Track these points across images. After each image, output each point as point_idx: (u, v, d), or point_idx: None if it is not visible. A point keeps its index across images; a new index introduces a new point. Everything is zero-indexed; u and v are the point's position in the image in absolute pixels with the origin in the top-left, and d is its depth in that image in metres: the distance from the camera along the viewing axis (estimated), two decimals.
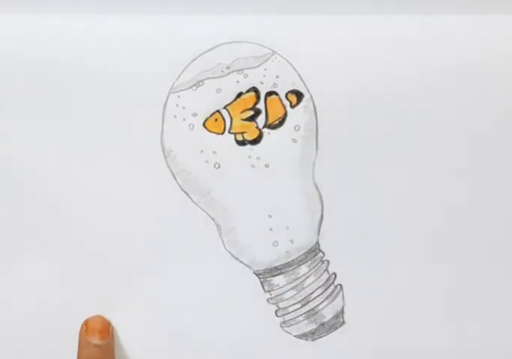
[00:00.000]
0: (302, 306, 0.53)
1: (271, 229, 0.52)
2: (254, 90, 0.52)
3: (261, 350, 0.53)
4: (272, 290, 0.53)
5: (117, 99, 0.52)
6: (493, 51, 0.53)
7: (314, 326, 0.53)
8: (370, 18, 0.53)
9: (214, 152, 0.52)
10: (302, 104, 0.52)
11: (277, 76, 0.52)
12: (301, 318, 0.53)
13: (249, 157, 0.52)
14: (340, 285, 0.53)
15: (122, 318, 0.52)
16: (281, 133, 0.52)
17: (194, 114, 0.52)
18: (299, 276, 0.53)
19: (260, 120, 0.52)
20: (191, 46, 0.52)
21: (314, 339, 0.53)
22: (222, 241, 0.53)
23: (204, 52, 0.52)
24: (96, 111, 0.52)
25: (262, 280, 0.53)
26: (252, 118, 0.52)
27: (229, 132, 0.52)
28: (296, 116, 0.52)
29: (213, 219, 0.53)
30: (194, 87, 0.52)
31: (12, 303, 0.53)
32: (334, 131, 0.52)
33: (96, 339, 0.51)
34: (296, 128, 0.52)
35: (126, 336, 0.52)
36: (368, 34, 0.53)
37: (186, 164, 0.52)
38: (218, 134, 0.52)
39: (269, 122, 0.52)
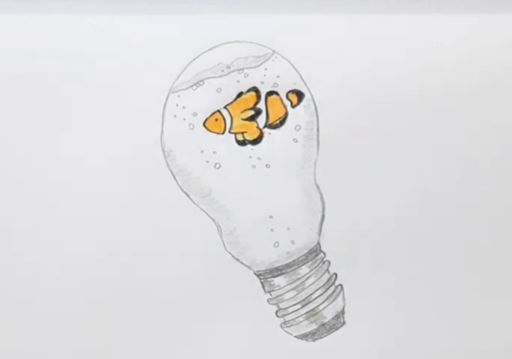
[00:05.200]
0: (303, 306, 0.53)
1: (272, 230, 0.52)
2: (255, 89, 0.52)
3: (261, 350, 0.53)
4: (273, 291, 0.53)
5: (117, 98, 0.52)
6: (494, 51, 0.53)
7: (314, 326, 0.53)
8: (370, 18, 0.53)
9: (214, 152, 0.52)
10: (302, 104, 0.52)
11: (277, 76, 0.52)
12: (301, 318, 0.53)
13: (250, 157, 0.52)
14: (341, 285, 0.53)
15: None
16: (282, 133, 0.52)
17: (195, 114, 0.52)
18: (299, 276, 0.53)
19: (261, 119, 0.52)
20: (191, 46, 0.52)
21: (314, 340, 0.53)
22: (223, 242, 0.52)
23: (204, 52, 0.52)
24: (96, 110, 0.52)
25: (262, 280, 0.53)
26: (253, 118, 0.52)
27: (229, 132, 0.52)
28: (297, 116, 0.52)
29: (214, 220, 0.52)
30: (195, 87, 0.52)
31: None
32: (336, 131, 0.52)
33: None
34: (297, 128, 0.52)
35: None
36: (368, 33, 0.53)
37: (186, 164, 0.52)
38: (218, 134, 0.52)
39: (270, 122, 0.52)
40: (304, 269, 0.53)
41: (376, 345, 0.53)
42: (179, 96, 0.52)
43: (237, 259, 0.52)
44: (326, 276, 0.53)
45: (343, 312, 0.53)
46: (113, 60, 0.52)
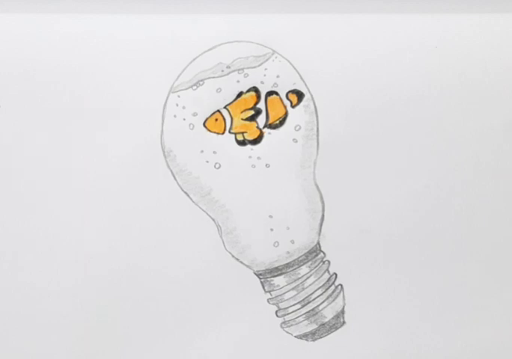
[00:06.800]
0: (303, 306, 0.53)
1: (272, 230, 0.52)
2: (255, 89, 0.52)
3: (261, 350, 0.53)
4: (273, 290, 0.53)
5: (117, 98, 0.52)
6: (494, 51, 0.53)
7: (314, 326, 0.53)
8: (370, 18, 0.53)
9: (214, 152, 0.52)
10: (302, 104, 0.52)
11: (277, 76, 0.52)
12: (301, 318, 0.53)
13: (250, 157, 0.52)
14: (341, 285, 0.53)
15: None
16: (282, 133, 0.52)
17: (195, 114, 0.52)
18: (299, 276, 0.53)
19: (261, 119, 0.52)
20: (191, 46, 0.52)
21: (314, 340, 0.53)
22: (223, 242, 0.52)
23: (204, 52, 0.52)
24: (96, 110, 0.52)
25: (262, 280, 0.53)
26: (253, 118, 0.52)
27: (229, 132, 0.52)
28: (297, 116, 0.52)
29: (213, 220, 0.52)
30: (195, 87, 0.52)
31: None
32: (335, 131, 0.52)
33: None
34: (297, 128, 0.52)
35: None
36: (368, 33, 0.53)
37: (186, 164, 0.52)
38: (218, 134, 0.52)
39: (270, 122, 0.52)
40: (304, 269, 0.53)
41: (376, 345, 0.53)
42: (179, 96, 0.52)
43: (237, 259, 0.52)
44: (326, 276, 0.53)
45: (343, 312, 0.53)
46: (113, 60, 0.52)
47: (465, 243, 0.53)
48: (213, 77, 0.52)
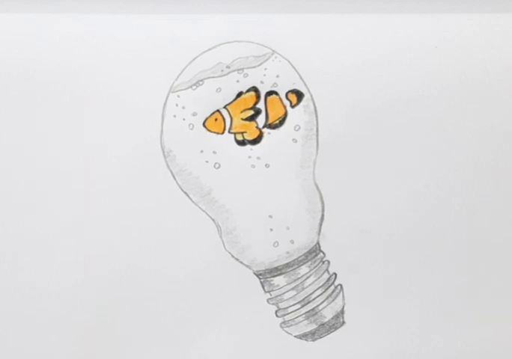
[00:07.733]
0: (302, 306, 0.53)
1: (271, 230, 0.52)
2: (254, 89, 0.52)
3: (261, 350, 0.53)
4: (272, 290, 0.53)
5: (116, 98, 0.52)
6: (494, 51, 0.53)
7: (314, 326, 0.53)
8: (370, 18, 0.53)
9: (214, 152, 0.52)
10: (302, 103, 0.52)
11: (277, 76, 0.52)
12: (301, 318, 0.53)
13: (249, 157, 0.52)
14: (341, 285, 0.53)
15: None
16: (282, 133, 0.52)
17: (194, 114, 0.52)
18: (299, 276, 0.53)
19: (261, 119, 0.52)
20: (191, 46, 0.52)
21: (314, 340, 0.53)
22: (222, 242, 0.52)
23: (204, 52, 0.52)
24: (95, 110, 0.52)
25: (262, 280, 0.53)
26: (252, 118, 0.52)
27: (229, 132, 0.52)
28: (297, 116, 0.52)
29: (213, 220, 0.52)
30: (194, 87, 0.52)
31: None
32: (335, 131, 0.52)
33: None
34: (297, 128, 0.52)
35: None
36: (368, 33, 0.53)
37: (186, 164, 0.52)
38: (218, 134, 0.52)
39: (270, 122, 0.52)
40: (303, 269, 0.53)
41: (376, 345, 0.53)
42: (179, 96, 0.52)
43: (237, 259, 0.52)
44: (326, 276, 0.53)
45: (342, 311, 0.53)
46: (113, 60, 0.52)
47: (465, 243, 0.53)
48: (213, 77, 0.52)
